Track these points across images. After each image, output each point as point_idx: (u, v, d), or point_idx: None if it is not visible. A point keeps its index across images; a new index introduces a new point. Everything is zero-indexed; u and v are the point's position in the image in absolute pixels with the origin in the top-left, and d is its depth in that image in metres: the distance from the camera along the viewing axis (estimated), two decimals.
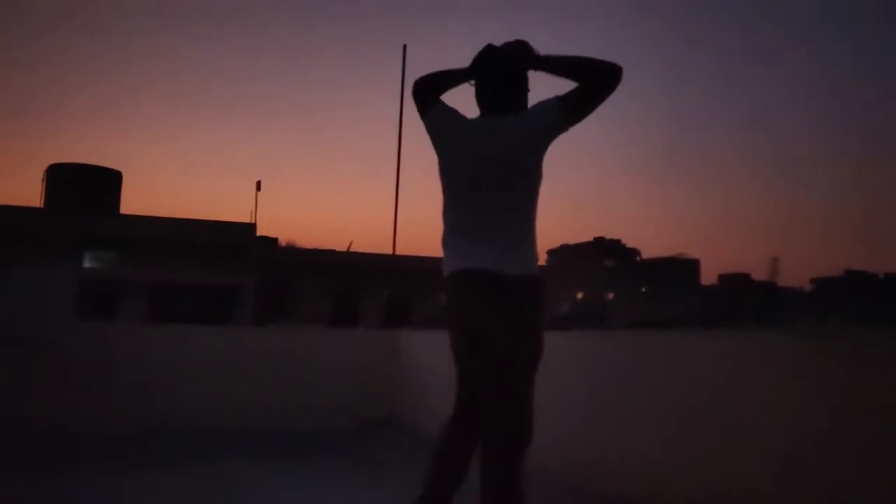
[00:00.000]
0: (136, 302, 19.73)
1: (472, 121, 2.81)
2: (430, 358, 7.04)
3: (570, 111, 2.60)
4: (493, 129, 2.70)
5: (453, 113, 2.84)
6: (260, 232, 25.19)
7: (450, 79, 2.85)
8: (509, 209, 2.65)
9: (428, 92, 2.85)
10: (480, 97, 2.80)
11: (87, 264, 20.36)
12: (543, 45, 2.71)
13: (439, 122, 2.83)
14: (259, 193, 26.58)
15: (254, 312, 21.27)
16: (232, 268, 21.60)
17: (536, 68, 2.71)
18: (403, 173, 14.97)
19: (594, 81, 2.57)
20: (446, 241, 2.79)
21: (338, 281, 25.18)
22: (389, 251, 15.83)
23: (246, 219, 26.45)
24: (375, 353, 7.35)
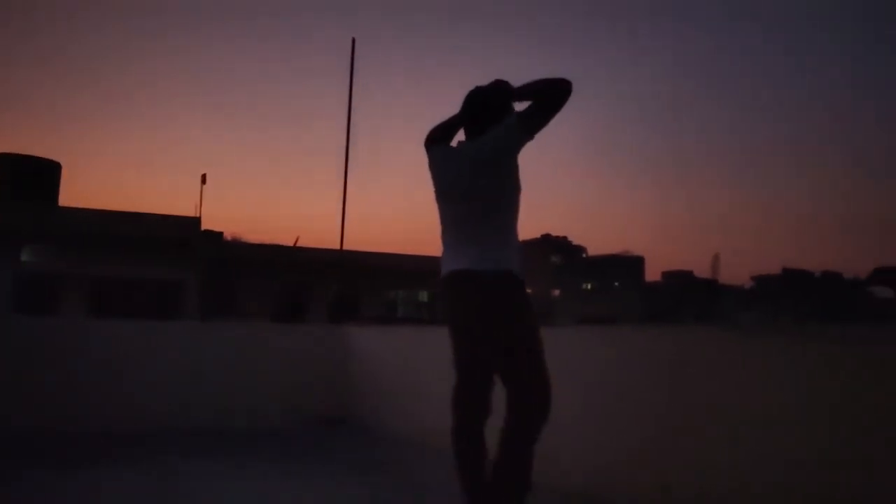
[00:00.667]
0: (76, 297, 19.27)
1: (455, 147, 3.27)
2: (378, 353, 7.03)
3: (529, 126, 2.98)
4: (465, 152, 3.15)
5: (444, 148, 3.28)
6: (205, 226, 24.76)
7: (453, 125, 3.31)
8: (485, 219, 3.03)
9: (431, 140, 3.33)
10: (466, 127, 3.24)
11: (24, 258, 19.78)
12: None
13: (432, 160, 3.29)
14: (204, 187, 26.11)
15: (198, 307, 20.94)
16: (176, 262, 21.22)
17: (515, 100, 3.12)
18: (351, 168, 14.89)
19: (548, 99, 2.95)
20: (443, 251, 3.22)
21: (284, 276, 24.94)
22: (337, 246, 15.72)
23: (190, 212, 26.01)
24: (323, 349, 7.29)
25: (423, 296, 31.07)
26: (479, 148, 3.07)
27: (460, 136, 3.29)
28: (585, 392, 4.17)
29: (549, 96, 2.95)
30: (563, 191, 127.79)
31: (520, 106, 3.06)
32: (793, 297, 57.21)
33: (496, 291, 2.98)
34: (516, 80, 3.12)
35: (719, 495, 3.29)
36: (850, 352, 2.84)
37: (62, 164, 24.65)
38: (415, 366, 6.24)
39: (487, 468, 3.07)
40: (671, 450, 3.59)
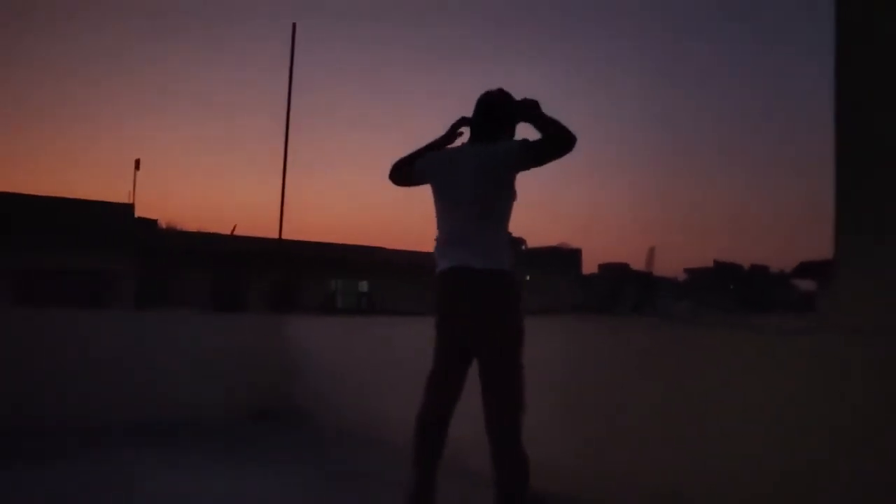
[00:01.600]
0: (3, 286, 18.62)
1: (455, 149, 3.41)
2: (318, 344, 7.01)
3: (528, 159, 3.16)
4: (472, 155, 3.28)
5: (444, 152, 3.42)
6: (139, 213, 24.23)
7: (420, 153, 3.45)
8: (483, 220, 3.20)
9: (400, 166, 3.47)
10: (472, 131, 3.39)
11: None
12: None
13: (425, 171, 3.40)
14: (138, 173, 25.49)
15: (132, 297, 20.47)
16: (109, 250, 20.68)
17: (521, 117, 3.27)
18: (291, 156, 14.74)
19: (560, 143, 3.12)
20: (437, 248, 3.34)
21: (222, 265, 24.56)
22: (276, 235, 15.57)
23: (124, 199, 25.37)
24: (262, 339, 7.22)
25: (363, 286, 30.96)
26: (489, 155, 3.22)
27: (463, 138, 3.44)
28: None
29: (562, 142, 3.12)
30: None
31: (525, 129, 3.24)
32: (723, 288, 58.83)
33: (492, 289, 3.15)
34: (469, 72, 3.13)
35: (654, 481, 3.41)
36: (773, 339, 2.96)
37: None
38: (355, 356, 6.25)
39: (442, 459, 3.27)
40: (608, 437, 3.69)
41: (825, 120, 2.98)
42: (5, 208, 19.79)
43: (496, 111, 3.35)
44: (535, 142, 3.16)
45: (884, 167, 2.69)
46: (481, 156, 3.25)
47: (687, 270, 72.08)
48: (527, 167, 3.20)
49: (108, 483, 4.19)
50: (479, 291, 3.16)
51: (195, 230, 30.84)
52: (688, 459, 3.25)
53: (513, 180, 3.24)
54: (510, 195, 3.26)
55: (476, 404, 3.16)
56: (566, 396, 3.95)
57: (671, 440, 3.34)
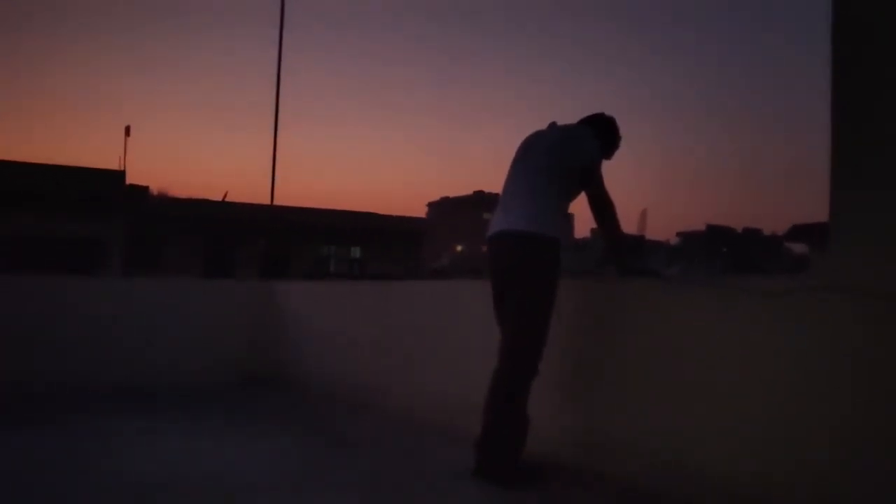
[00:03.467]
0: None
1: (547, 129, 3.80)
2: (307, 309, 6.96)
3: (582, 181, 3.62)
4: (556, 135, 3.71)
5: (539, 130, 3.81)
6: (130, 180, 24.03)
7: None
8: (539, 191, 3.52)
9: None
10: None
11: None
12: None
13: (525, 141, 3.81)
14: (128, 139, 25.23)
15: (123, 263, 20.39)
16: (100, 217, 20.54)
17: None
18: (282, 121, 14.58)
19: (605, 213, 3.67)
20: (494, 214, 3.71)
21: (213, 231, 24.45)
22: (268, 201, 15.47)
23: (114, 166, 25.14)
24: (252, 304, 7.19)
25: (355, 252, 30.92)
26: (568, 144, 3.63)
27: (553, 118, 3.84)
28: None
29: (606, 213, 3.66)
30: (495, 146, 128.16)
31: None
32: (716, 252, 58.97)
33: (520, 250, 3.47)
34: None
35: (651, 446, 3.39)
36: (767, 300, 2.92)
37: None
38: (345, 322, 6.21)
39: None
40: (600, 398, 3.66)
41: (820, 79, 2.90)
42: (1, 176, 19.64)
43: (606, 137, 3.77)
44: (591, 187, 3.61)
45: (883, 123, 2.63)
46: (567, 139, 3.65)
47: (679, 234, 72.18)
48: (587, 185, 3.62)
49: (95, 447, 4.15)
50: (508, 253, 3.52)
51: (186, 197, 30.67)
52: (689, 424, 3.22)
53: (571, 171, 3.58)
54: (568, 179, 3.58)
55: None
56: (560, 361, 3.92)
57: (669, 404, 3.31)
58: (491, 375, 3.51)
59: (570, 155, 3.60)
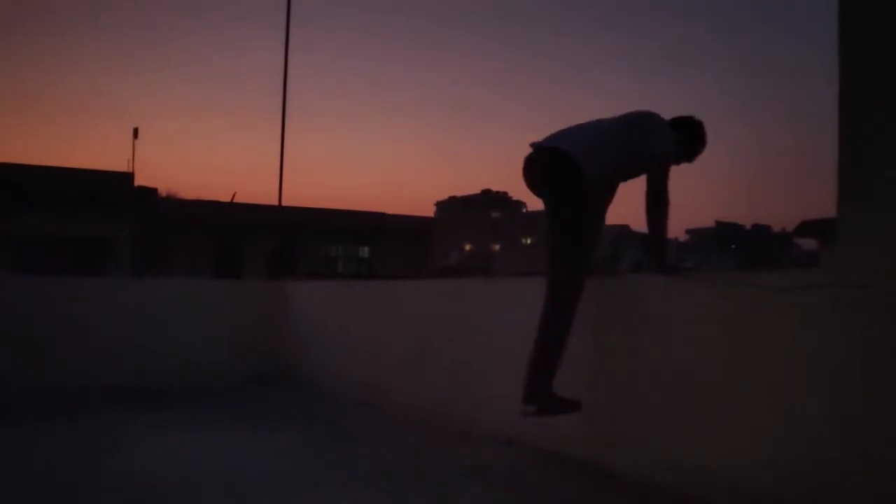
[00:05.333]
0: (4, 253, 18.60)
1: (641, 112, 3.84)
2: (317, 308, 6.99)
3: (650, 164, 3.65)
4: (626, 115, 3.77)
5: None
6: (138, 182, 24.09)
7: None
8: (592, 145, 3.62)
9: None
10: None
11: None
12: None
13: None
14: (137, 141, 25.30)
15: (132, 264, 20.45)
16: (108, 219, 20.62)
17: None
18: (289, 123, 14.61)
19: (658, 197, 3.66)
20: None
21: (221, 232, 24.51)
22: (276, 202, 15.50)
23: (123, 168, 25.21)
24: (261, 304, 7.22)
25: (363, 252, 30.93)
26: (647, 126, 3.69)
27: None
28: (523, 343, 4.23)
29: (662, 205, 3.67)
30: (503, 146, 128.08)
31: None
32: (725, 248, 58.78)
33: (547, 165, 3.62)
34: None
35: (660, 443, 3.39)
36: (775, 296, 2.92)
37: None
38: (354, 320, 6.22)
39: None
40: (614, 397, 3.67)
41: (828, 75, 2.89)
42: (7, 177, 19.70)
43: (689, 137, 3.77)
44: (658, 173, 3.64)
45: (890, 118, 2.62)
46: (640, 119, 3.71)
47: (688, 231, 71.97)
48: (660, 162, 3.63)
49: (106, 445, 4.18)
50: (539, 168, 3.69)
51: (195, 198, 30.73)
52: (700, 422, 3.22)
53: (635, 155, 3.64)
54: (627, 160, 3.64)
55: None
56: (573, 361, 3.93)
57: (680, 401, 3.31)
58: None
59: (646, 135, 3.66)
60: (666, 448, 3.31)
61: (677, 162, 3.75)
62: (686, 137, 3.76)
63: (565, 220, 3.59)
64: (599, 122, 3.79)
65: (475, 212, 76.70)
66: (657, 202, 3.65)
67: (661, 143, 3.65)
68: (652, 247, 3.78)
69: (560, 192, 3.61)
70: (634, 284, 3.83)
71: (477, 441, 4.18)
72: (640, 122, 3.71)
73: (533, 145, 3.72)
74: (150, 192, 25.47)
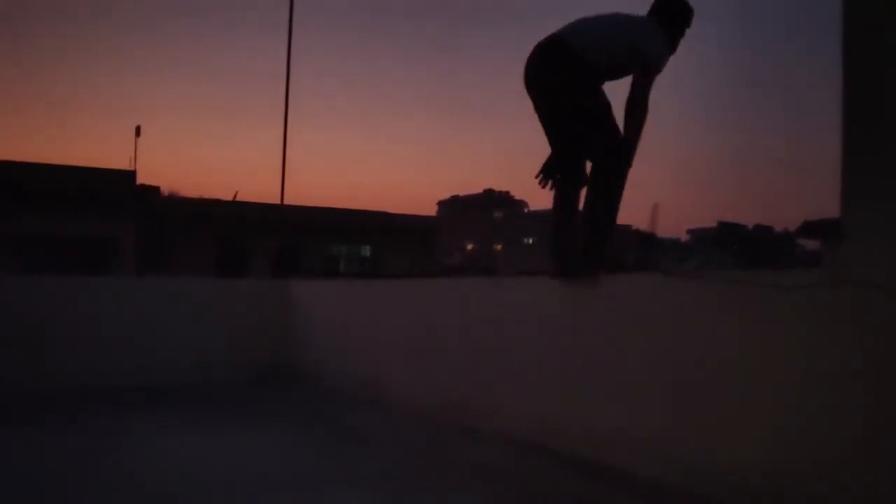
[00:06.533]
0: (5, 253, 18.63)
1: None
2: (319, 307, 6.99)
3: (638, 67, 3.85)
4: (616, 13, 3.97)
5: None
6: (140, 180, 24.11)
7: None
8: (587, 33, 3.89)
9: None
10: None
11: None
12: None
13: None
14: (139, 139, 25.32)
15: (134, 264, 20.47)
16: (111, 217, 20.64)
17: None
18: (291, 121, 14.60)
19: (640, 100, 3.89)
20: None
21: (224, 231, 24.53)
22: (278, 201, 15.49)
23: (125, 166, 25.23)
24: (265, 303, 7.22)
25: (366, 251, 30.93)
26: (640, 30, 3.91)
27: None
28: (531, 342, 4.23)
29: (640, 111, 3.86)
30: (505, 146, 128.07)
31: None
32: (727, 248, 58.74)
33: (547, 57, 3.85)
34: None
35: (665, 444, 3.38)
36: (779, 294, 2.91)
37: None
38: (357, 319, 6.22)
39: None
40: (617, 399, 3.66)
41: (832, 75, 2.89)
42: (7, 176, 19.71)
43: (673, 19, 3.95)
44: (645, 78, 3.83)
45: (894, 117, 2.61)
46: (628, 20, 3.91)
47: (690, 231, 71.91)
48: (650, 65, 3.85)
49: (108, 446, 4.17)
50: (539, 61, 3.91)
51: (197, 197, 30.75)
52: (702, 421, 3.22)
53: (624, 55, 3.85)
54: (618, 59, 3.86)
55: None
56: (562, 356, 3.93)
57: (681, 401, 3.31)
58: None
59: (645, 38, 3.86)
60: (675, 449, 3.30)
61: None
62: (669, 28, 3.96)
63: (577, 107, 3.81)
64: (616, 15, 3.94)
65: (478, 211, 76.61)
66: (634, 107, 3.84)
67: (656, 49, 3.87)
68: (626, 153, 3.90)
69: (562, 77, 3.80)
70: (635, 283, 3.82)
71: (481, 441, 4.17)
72: (642, 26, 3.92)
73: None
74: (152, 191, 25.49)
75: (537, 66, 3.88)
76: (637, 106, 3.83)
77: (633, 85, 3.83)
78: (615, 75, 3.93)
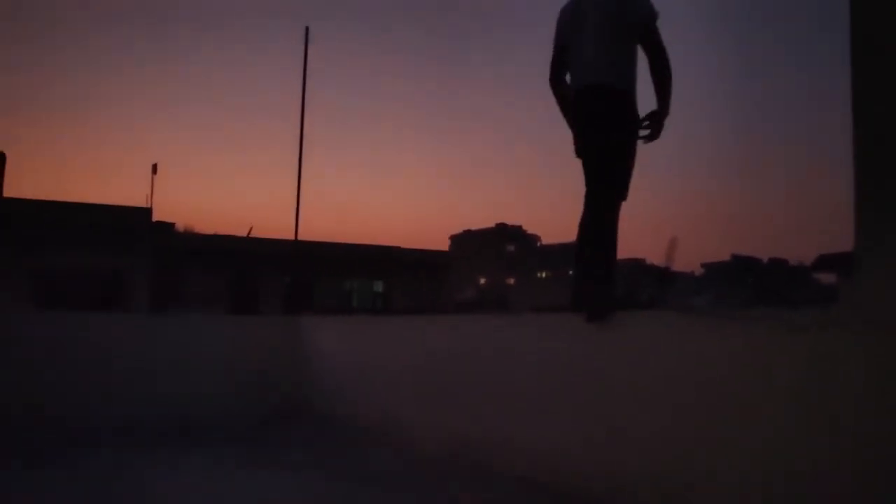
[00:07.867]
0: (22, 288, 18.79)
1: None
2: (333, 344, 6.99)
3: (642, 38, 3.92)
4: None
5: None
6: (156, 217, 24.35)
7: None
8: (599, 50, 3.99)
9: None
10: None
11: None
12: None
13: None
14: (155, 177, 25.64)
15: (149, 299, 20.59)
16: (127, 254, 20.82)
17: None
18: (306, 157, 14.74)
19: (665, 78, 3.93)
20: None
21: (238, 267, 24.65)
22: (292, 236, 15.60)
23: (141, 203, 25.51)
24: (278, 340, 7.22)
25: (378, 286, 30.97)
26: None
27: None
28: (541, 380, 4.21)
29: (667, 74, 3.89)
30: (518, 180, 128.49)
31: None
32: (742, 282, 58.43)
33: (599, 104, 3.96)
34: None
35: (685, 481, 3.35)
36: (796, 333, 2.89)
37: (6, 154, 24.00)
38: (370, 356, 6.22)
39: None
40: (629, 436, 3.63)
41: (843, 107, 2.89)
42: (26, 213, 19.97)
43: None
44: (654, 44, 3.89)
45: None
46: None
47: (704, 265, 71.62)
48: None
49: (118, 484, 4.17)
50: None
51: (212, 232, 30.99)
52: (700, 459, 3.19)
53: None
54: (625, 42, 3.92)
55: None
56: (575, 394, 3.91)
57: (682, 437, 3.27)
58: None
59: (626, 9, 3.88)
60: (682, 489, 3.26)
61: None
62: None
63: (620, 145, 3.90)
64: (596, 29, 3.91)
65: (490, 245, 76.74)
66: (659, 67, 3.87)
67: (643, 8, 3.89)
68: (660, 118, 3.94)
69: (615, 122, 3.88)
70: (646, 321, 3.80)
71: (497, 480, 4.14)
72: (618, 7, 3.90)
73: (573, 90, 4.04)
74: (167, 227, 25.72)
75: (593, 118, 3.96)
76: (662, 67, 3.87)
77: (648, 54, 3.89)
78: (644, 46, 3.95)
